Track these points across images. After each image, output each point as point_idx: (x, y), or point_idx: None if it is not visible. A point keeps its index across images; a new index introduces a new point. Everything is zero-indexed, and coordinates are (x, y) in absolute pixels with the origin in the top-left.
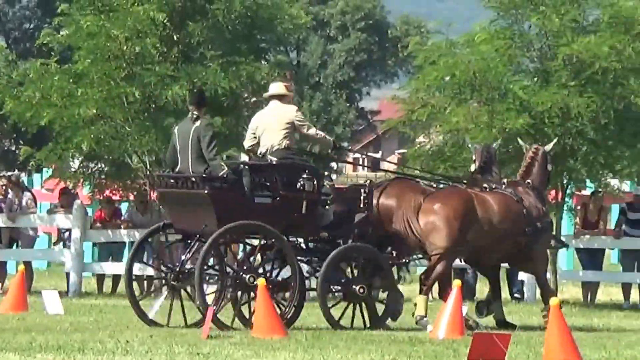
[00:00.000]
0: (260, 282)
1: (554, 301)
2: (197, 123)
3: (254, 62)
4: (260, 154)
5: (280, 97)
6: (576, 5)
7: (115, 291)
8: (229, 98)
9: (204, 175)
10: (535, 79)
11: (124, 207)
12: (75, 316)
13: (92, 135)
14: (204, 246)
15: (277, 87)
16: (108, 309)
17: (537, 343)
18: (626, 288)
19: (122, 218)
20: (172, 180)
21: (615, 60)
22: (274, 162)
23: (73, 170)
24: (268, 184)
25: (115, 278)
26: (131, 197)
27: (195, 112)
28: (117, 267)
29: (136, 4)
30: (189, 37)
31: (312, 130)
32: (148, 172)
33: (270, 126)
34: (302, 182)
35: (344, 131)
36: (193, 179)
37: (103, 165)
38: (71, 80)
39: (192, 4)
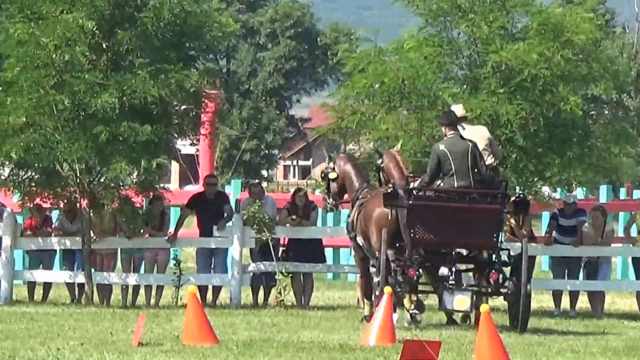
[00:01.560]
0: (191, 289)
1: (484, 307)
2: (471, 144)
3: (183, 70)
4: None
5: (464, 119)
6: (505, 13)
7: (47, 299)
8: (158, 106)
9: (502, 192)
10: (465, 86)
11: (54, 215)
12: (6, 324)
13: (21, 144)
14: (524, 257)
15: (463, 109)
16: (39, 317)
17: (467, 350)
18: (557, 295)
19: (53, 226)
20: (441, 195)
21: (544, 68)
22: (500, 180)
23: (3, 178)
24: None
25: (46, 286)
26: (62, 205)
27: (451, 132)
28: (48, 275)
29: (65, 12)
30: (118, 45)
31: (498, 146)
32: (78, 180)
33: (481, 146)
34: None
35: (274, 139)
36: (485, 195)
37: (33, 173)
38: (0, 89)
39: (121, 12)
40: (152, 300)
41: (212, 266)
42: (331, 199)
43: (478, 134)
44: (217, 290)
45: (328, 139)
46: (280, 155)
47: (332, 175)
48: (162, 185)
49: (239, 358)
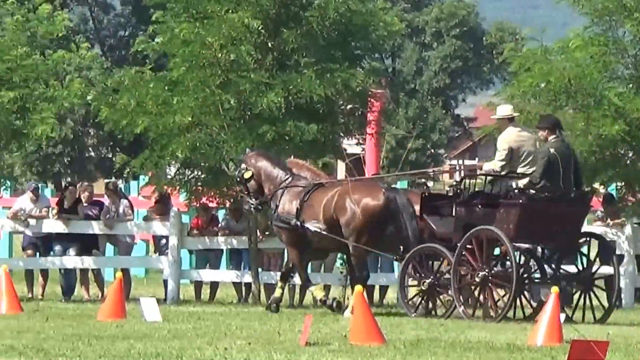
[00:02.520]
0: (358, 288)
1: None
2: (570, 148)
3: (349, 69)
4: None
5: (512, 119)
6: None
7: (214, 298)
8: (324, 105)
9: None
10: (630, 85)
11: (220, 214)
12: (174, 323)
13: (187, 143)
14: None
15: (511, 110)
16: (206, 316)
17: (635, 350)
18: None
19: (219, 225)
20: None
21: None
22: None
23: (169, 177)
24: None
25: (213, 285)
26: (228, 205)
27: (553, 136)
28: (215, 275)
29: (231, 11)
30: (283, 44)
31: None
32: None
33: (531, 147)
34: None
35: (440, 138)
36: (576, 196)
37: (199, 173)
38: (166, 88)
39: (286, 11)
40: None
41: (379, 265)
42: (253, 199)
43: (530, 135)
44: (383, 289)
45: (494, 138)
46: (446, 154)
47: (247, 175)
48: None
49: (406, 357)
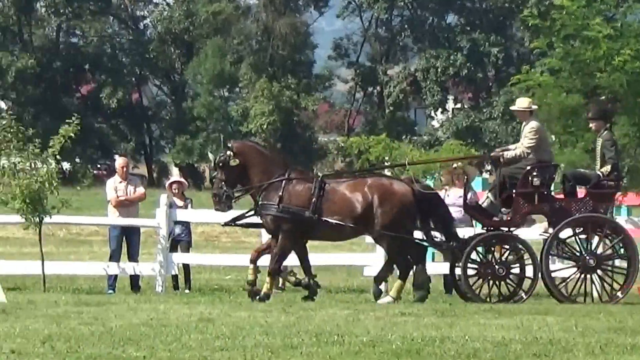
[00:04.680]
0: None
1: None
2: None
3: None
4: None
5: (531, 113)
6: None
7: None
8: None
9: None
10: None
11: None
12: None
13: None
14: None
15: (529, 102)
16: None
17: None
18: None
19: None
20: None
21: None
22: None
23: None
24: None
25: None
26: None
27: (604, 127)
28: None
29: None
30: None
31: None
32: None
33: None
34: None
35: None
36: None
37: None
38: None
39: None
40: None
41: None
42: (227, 188)
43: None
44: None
45: None
46: None
47: (233, 163)
48: None
49: None
